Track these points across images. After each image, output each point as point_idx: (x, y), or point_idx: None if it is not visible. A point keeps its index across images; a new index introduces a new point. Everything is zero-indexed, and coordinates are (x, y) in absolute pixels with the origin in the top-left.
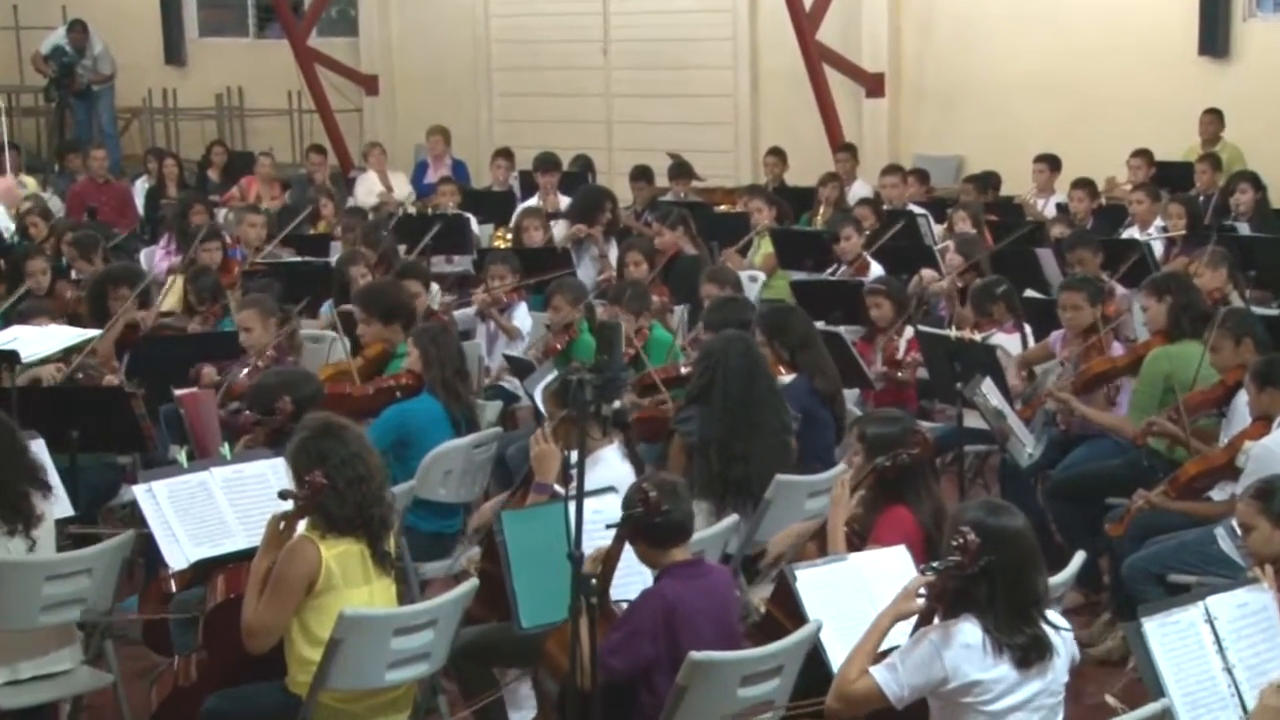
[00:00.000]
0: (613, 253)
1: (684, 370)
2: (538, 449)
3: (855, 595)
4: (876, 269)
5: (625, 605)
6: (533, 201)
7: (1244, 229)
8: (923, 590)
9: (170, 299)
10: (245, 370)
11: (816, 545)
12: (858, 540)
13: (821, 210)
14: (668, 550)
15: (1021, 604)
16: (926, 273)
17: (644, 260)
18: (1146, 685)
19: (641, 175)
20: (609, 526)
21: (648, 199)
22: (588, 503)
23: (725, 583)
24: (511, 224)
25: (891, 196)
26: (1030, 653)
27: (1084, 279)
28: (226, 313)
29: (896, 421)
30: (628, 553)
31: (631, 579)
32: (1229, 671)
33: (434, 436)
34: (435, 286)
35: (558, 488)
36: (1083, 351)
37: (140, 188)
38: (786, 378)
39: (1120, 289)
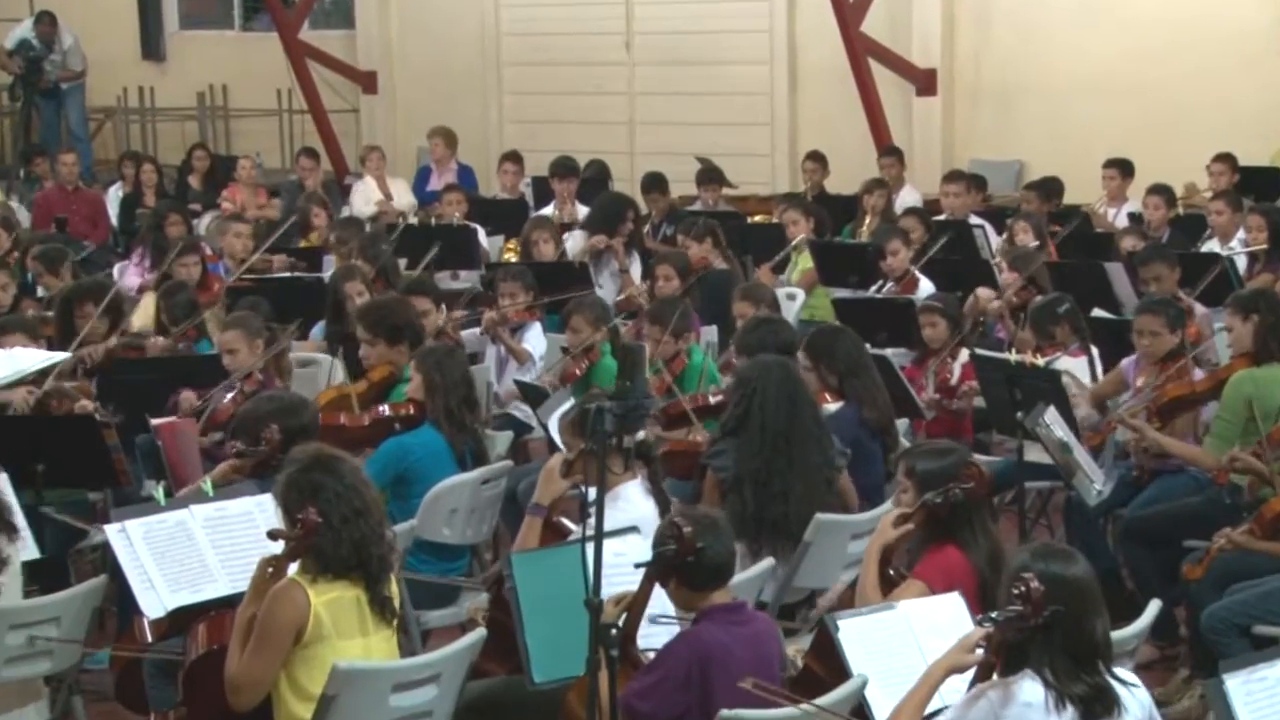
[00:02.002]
0: (635, 268)
1: (713, 399)
2: (546, 467)
3: (903, 647)
4: (927, 285)
5: (653, 654)
6: (547, 211)
7: None
8: (981, 643)
9: (141, 318)
10: (230, 395)
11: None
12: (901, 581)
13: (867, 221)
14: (706, 592)
15: (1083, 654)
16: (982, 292)
17: (675, 275)
18: None
19: (654, 185)
20: (638, 566)
21: (664, 211)
22: (608, 544)
23: (769, 632)
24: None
25: (954, 206)
26: (1095, 704)
27: (1162, 301)
28: (202, 334)
29: (948, 454)
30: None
31: (658, 628)
32: None
33: (436, 472)
34: (443, 306)
35: (568, 523)
36: (1161, 379)
37: (114, 196)
38: (832, 406)
39: (1200, 308)
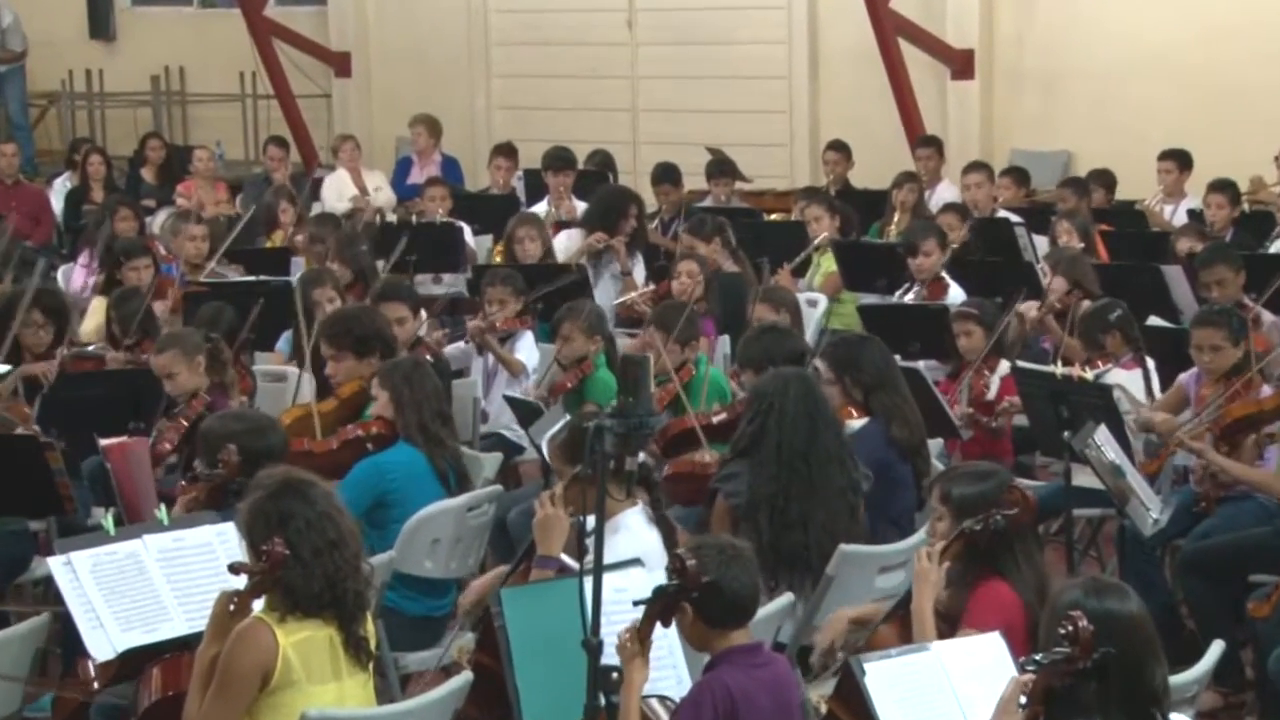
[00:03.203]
0: (639, 270)
1: (715, 419)
2: (541, 514)
3: (937, 693)
4: (956, 291)
5: (657, 702)
6: (539, 208)
7: None
8: (1023, 697)
9: (90, 326)
10: (172, 425)
11: (897, 633)
12: (945, 626)
13: (896, 218)
14: (726, 631)
15: (1138, 702)
16: (1027, 309)
17: (700, 274)
18: None
19: (666, 176)
20: (637, 603)
21: (675, 205)
22: (608, 579)
23: (789, 675)
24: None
25: (976, 200)
26: None
27: (1222, 311)
28: None
29: (987, 477)
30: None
31: (664, 673)
32: None
33: (418, 495)
34: (422, 313)
35: (566, 559)
36: (1225, 397)
37: (59, 189)
38: (856, 423)
39: (1268, 315)
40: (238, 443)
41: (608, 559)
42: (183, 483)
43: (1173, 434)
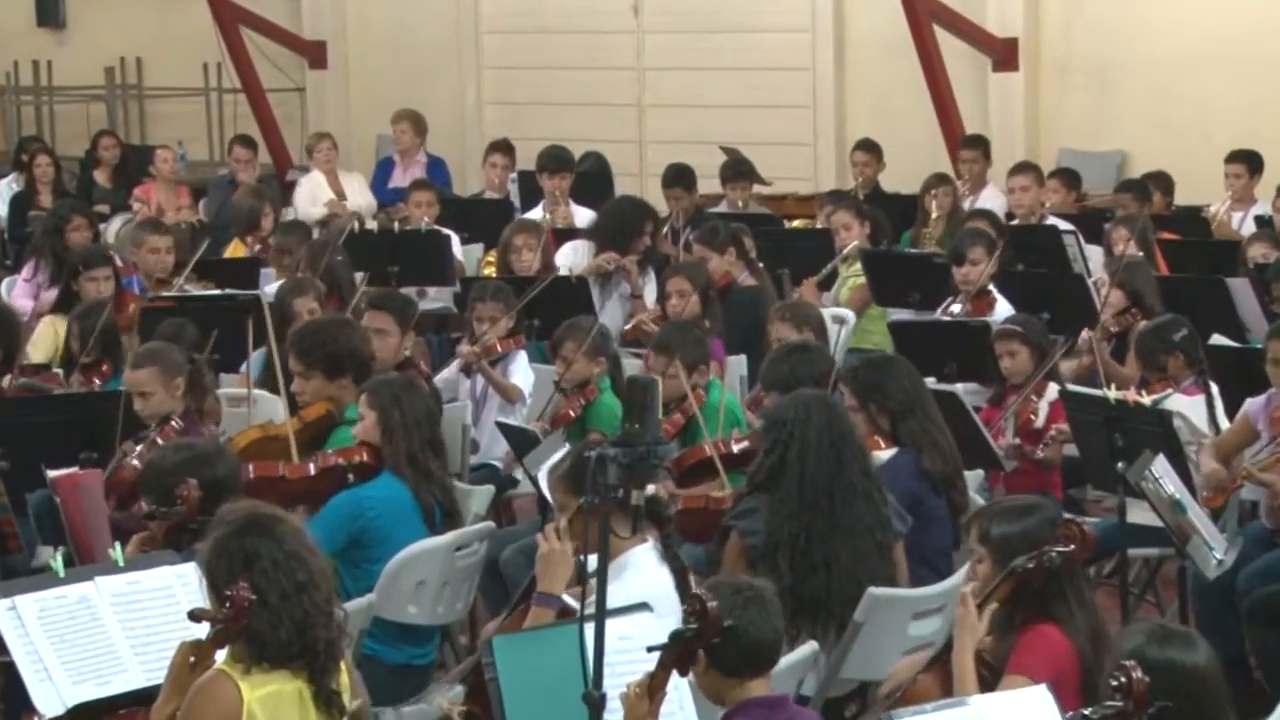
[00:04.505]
0: (650, 289)
1: (736, 447)
2: (545, 548)
3: None
4: (1004, 307)
5: None
6: (535, 213)
7: None
8: None
9: (42, 349)
10: (140, 448)
11: (937, 683)
12: (990, 676)
13: (930, 223)
14: (743, 681)
15: None
16: (1088, 338)
17: (692, 290)
18: None
19: (678, 179)
20: (651, 649)
21: (689, 212)
22: (612, 625)
23: None
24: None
25: (1023, 204)
26: None
27: None
28: (119, 366)
29: (1030, 512)
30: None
31: None
32: None
33: (400, 532)
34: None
35: (569, 599)
36: None
37: (2, 193)
38: (884, 453)
39: None
40: (196, 475)
41: (613, 601)
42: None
43: (1220, 483)
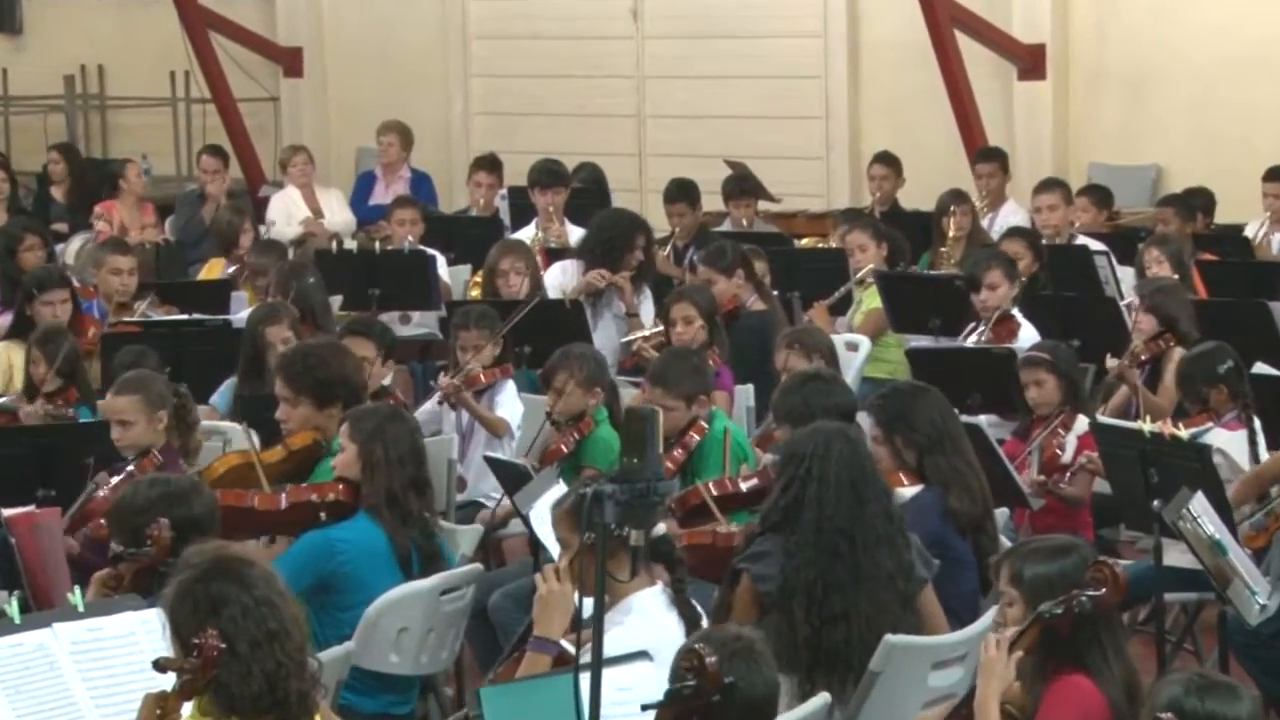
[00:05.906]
0: (646, 308)
1: (745, 485)
2: (543, 589)
3: None
4: (1029, 332)
5: None
6: (527, 232)
7: None
8: None
9: None
10: (115, 480)
11: None
12: None
13: (948, 243)
14: None
15: None
16: (1116, 366)
17: (699, 316)
18: None
19: (682, 194)
20: (646, 708)
21: (691, 230)
22: (609, 675)
23: None
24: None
25: (1050, 223)
26: None
27: None
28: (85, 395)
29: (1066, 553)
30: None
31: None
32: None
33: (372, 579)
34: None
35: (566, 645)
36: None
37: None
38: (907, 491)
39: None
40: (169, 515)
41: (613, 649)
42: (106, 569)
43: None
